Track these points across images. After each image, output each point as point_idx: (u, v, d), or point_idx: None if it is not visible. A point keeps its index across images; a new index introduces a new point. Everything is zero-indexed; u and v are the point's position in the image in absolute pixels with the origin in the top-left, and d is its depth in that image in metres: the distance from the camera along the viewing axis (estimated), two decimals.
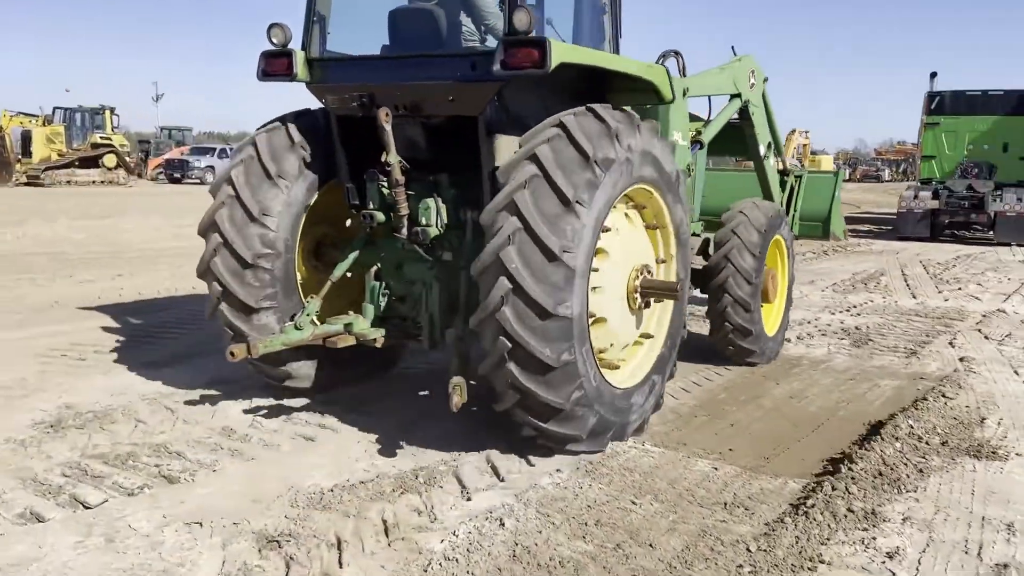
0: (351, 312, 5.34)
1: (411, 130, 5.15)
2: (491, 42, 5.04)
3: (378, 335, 5.21)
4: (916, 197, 19.84)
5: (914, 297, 11.25)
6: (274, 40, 5.25)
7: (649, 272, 5.13)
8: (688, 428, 5.44)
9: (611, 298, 4.82)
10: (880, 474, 4.42)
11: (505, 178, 4.36)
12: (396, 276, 5.38)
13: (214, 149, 42.33)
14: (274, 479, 4.42)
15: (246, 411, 5.58)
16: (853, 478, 4.31)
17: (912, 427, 5.23)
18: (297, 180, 5.39)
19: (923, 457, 4.77)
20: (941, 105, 21.93)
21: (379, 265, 5.44)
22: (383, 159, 4.85)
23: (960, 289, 12.00)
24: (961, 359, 7.49)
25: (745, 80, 7.38)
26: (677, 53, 6.65)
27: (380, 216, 5.22)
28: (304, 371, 5.66)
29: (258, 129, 5.47)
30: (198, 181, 38.59)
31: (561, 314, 4.22)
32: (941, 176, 21.31)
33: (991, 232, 19.21)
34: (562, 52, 4.43)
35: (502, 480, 4.43)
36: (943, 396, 6.11)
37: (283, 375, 5.60)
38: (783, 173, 8.34)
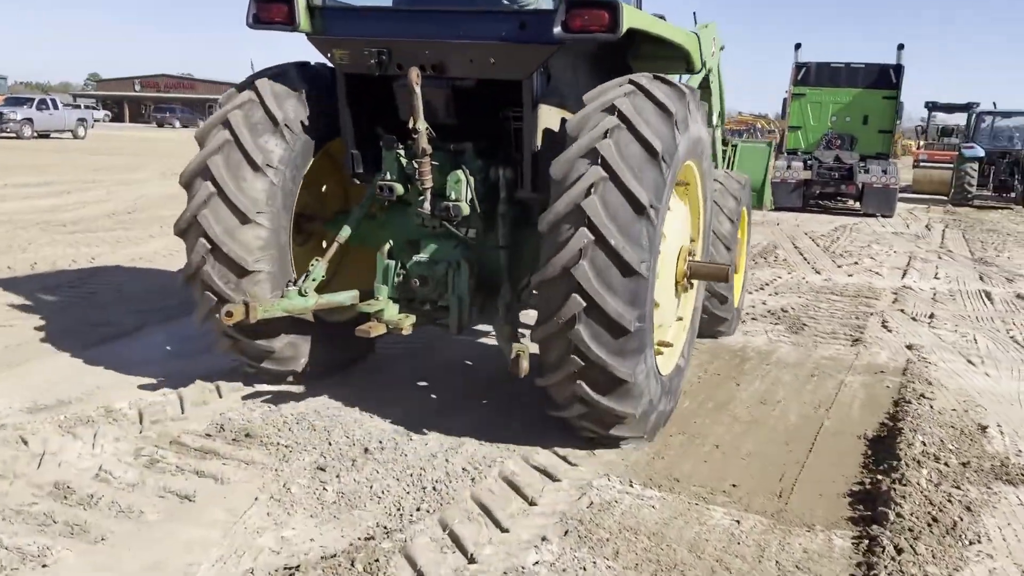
0: (378, 297, 4.69)
1: (431, 92, 4.49)
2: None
3: (408, 323, 4.60)
4: (789, 167, 19.93)
5: (818, 273, 10.90)
6: None
7: (691, 253, 4.89)
8: (668, 453, 4.45)
9: (664, 284, 4.55)
10: (934, 519, 3.59)
11: (563, 173, 3.93)
12: (414, 255, 4.77)
13: (32, 100, 37.56)
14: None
15: (88, 454, 4.09)
16: (910, 529, 3.46)
17: (924, 444, 4.48)
18: (302, 133, 4.79)
19: (958, 487, 4.02)
20: (807, 76, 22.11)
21: (391, 243, 4.88)
22: (410, 125, 4.35)
23: (857, 264, 11.81)
24: (908, 346, 7.00)
25: (708, 48, 6.54)
26: (661, 17, 5.70)
27: (399, 188, 4.73)
28: (287, 348, 4.97)
29: (251, 76, 4.82)
30: (14, 135, 34.27)
31: (643, 273, 3.89)
32: (807, 147, 21.58)
33: (858, 203, 19.63)
34: (631, 16, 4.04)
35: (472, 561, 3.24)
36: (922, 397, 5.48)
37: (262, 352, 4.92)
38: (723, 143, 7.74)
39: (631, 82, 4.15)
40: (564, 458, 4.27)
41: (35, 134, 35.58)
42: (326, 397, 5.07)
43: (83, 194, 15.62)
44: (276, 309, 4.53)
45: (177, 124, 65.91)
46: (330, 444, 4.28)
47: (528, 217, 4.70)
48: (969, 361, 6.60)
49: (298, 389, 5.18)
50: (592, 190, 3.84)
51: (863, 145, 20.87)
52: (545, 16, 4.16)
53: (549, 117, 4.55)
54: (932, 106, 30.63)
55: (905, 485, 3.87)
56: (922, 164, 27.90)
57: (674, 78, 4.49)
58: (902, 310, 8.60)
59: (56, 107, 37.68)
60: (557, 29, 4.02)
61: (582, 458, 4.29)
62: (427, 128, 4.42)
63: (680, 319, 5.16)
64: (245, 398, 4.96)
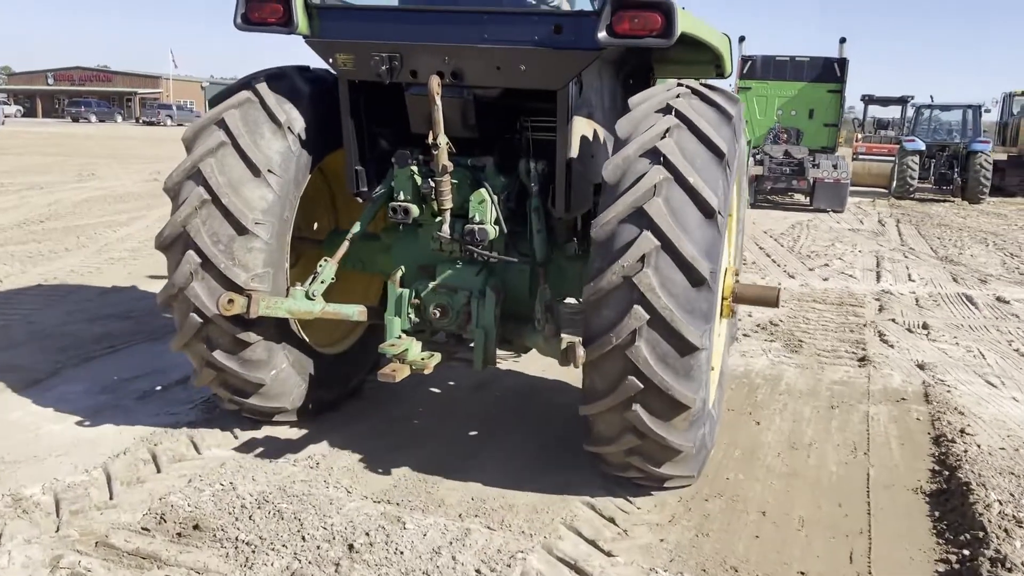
0: (402, 335, 4.15)
1: (448, 103, 4.02)
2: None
3: (433, 363, 4.10)
4: None
5: (792, 277, 10.43)
6: None
7: (737, 274, 4.49)
8: (712, 528, 3.75)
9: (716, 314, 4.02)
10: None
11: (616, 178, 3.53)
12: (430, 283, 4.25)
13: None
14: None
15: None
16: None
17: (1000, 503, 3.88)
18: (304, 139, 4.27)
19: None
20: (753, 69, 21.84)
21: (403, 269, 4.37)
22: (429, 139, 3.92)
23: (828, 266, 11.40)
24: (919, 366, 6.48)
25: None
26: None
27: (415, 210, 4.26)
28: (277, 383, 4.35)
29: (247, 77, 4.32)
30: None
31: (704, 346, 3.47)
32: (754, 141, 21.30)
33: (808, 198, 19.42)
34: (684, 19, 3.63)
35: None
36: (962, 433, 4.92)
37: (251, 385, 4.29)
38: None
39: (672, 110, 3.69)
40: (595, 543, 3.52)
41: None
42: (293, 462, 4.22)
43: None
44: (280, 309, 4.04)
45: (93, 119, 62.89)
46: (304, 539, 3.42)
47: (555, 238, 4.40)
48: (988, 382, 6.11)
49: (256, 452, 4.32)
50: (644, 261, 3.37)
51: (808, 139, 20.70)
52: (585, 19, 3.71)
53: (580, 130, 4.16)
54: (868, 99, 30.93)
55: (1010, 571, 3.24)
56: (861, 157, 28.08)
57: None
58: (893, 320, 8.15)
59: None
60: (602, 34, 3.59)
61: (615, 542, 3.55)
62: (447, 143, 3.93)
63: (719, 335, 4.66)
64: (193, 472, 4.07)
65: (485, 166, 4.28)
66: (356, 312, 4.33)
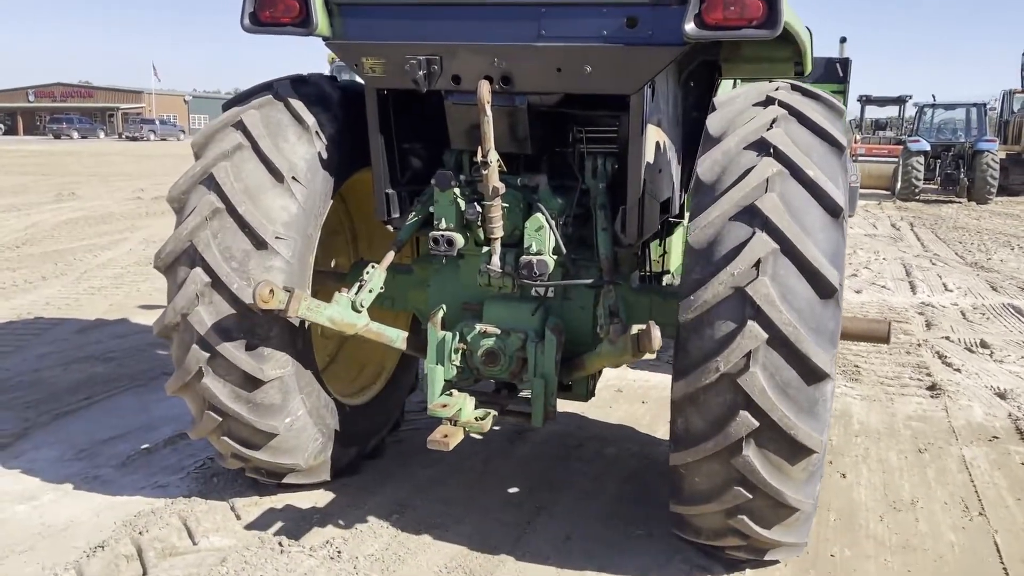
0: (454, 392, 3.48)
1: (496, 113, 3.32)
2: None
3: (488, 421, 3.46)
4: None
5: None
6: None
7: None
8: None
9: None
10: None
11: (715, 175, 2.97)
12: (476, 323, 3.57)
13: None
14: None
15: None
16: None
17: None
18: (335, 145, 3.68)
19: None
20: None
21: (444, 308, 3.68)
22: (478, 157, 3.31)
23: (856, 275, 10.77)
24: (1000, 395, 5.81)
25: None
26: None
27: (459, 239, 3.61)
28: (296, 442, 3.69)
29: (267, 81, 3.74)
30: None
31: (832, 375, 2.88)
32: None
33: None
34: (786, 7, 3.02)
35: None
36: None
37: (287, 467, 3.75)
38: None
39: (774, 101, 3.12)
40: None
41: None
42: (310, 550, 3.48)
43: None
44: (322, 315, 3.38)
45: (75, 135, 61.88)
46: None
47: (619, 268, 3.78)
48: None
49: (263, 537, 3.58)
50: (759, 267, 2.73)
51: None
52: (666, 8, 3.10)
53: (651, 141, 3.47)
54: (865, 100, 30.50)
55: None
56: (860, 158, 27.56)
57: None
58: (947, 337, 7.49)
59: None
60: (689, 25, 3.01)
61: None
62: (498, 160, 3.32)
63: None
64: (186, 571, 3.31)
65: (539, 186, 3.64)
66: (399, 338, 3.76)
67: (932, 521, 3.91)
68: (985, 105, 23.99)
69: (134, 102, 75.89)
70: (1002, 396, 5.78)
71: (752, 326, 2.79)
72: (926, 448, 4.82)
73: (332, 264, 4.56)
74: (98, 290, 8.78)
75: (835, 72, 23.35)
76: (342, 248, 4.62)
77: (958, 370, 6.45)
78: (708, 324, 2.87)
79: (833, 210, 2.88)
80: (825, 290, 2.82)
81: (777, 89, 3.25)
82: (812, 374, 2.82)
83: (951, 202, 22.32)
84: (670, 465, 3.09)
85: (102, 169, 28.11)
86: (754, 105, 3.17)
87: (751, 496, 2.97)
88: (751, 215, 2.86)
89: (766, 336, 2.78)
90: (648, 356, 3.16)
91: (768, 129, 3.01)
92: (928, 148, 22.35)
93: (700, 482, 3.05)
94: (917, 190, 22.29)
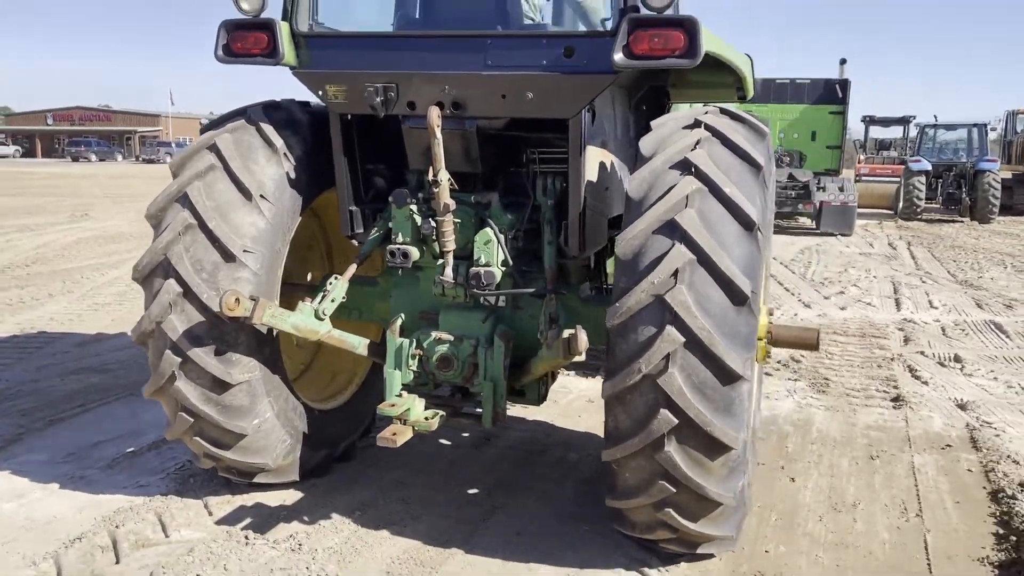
0: (403, 394, 3.77)
1: (448, 136, 3.66)
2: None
3: (436, 422, 3.71)
4: None
5: (808, 307, 9.94)
6: (244, 6, 3.69)
7: (771, 313, 4.12)
8: None
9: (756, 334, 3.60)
10: None
11: (642, 192, 3.23)
12: (432, 332, 3.84)
13: None
14: None
15: None
16: None
17: None
18: (301, 170, 3.96)
19: None
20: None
21: (403, 317, 3.97)
22: (429, 176, 3.61)
23: (843, 293, 10.92)
24: (960, 406, 5.97)
25: None
26: None
27: (415, 252, 3.90)
28: (264, 442, 3.92)
29: (242, 107, 4.03)
30: None
31: (747, 376, 3.09)
32: None
33: (813, 222, 18.99)
34: (709, 38, 3.34)
35: None
36: (1022, 487, 4.41)
37: (256, 467, 3.98)
38: None
39: (700, 124, 3.35)
40: None
41: None
42: (272, 543, 3.71)
43: None
44: (285, 322, 3.65)
45: (93, 158, 62.85)
46: None
47: (567, 279, 4.11)
48: None
49: (230, 531, 3.82)
50: (677, 276, 2.98)
51: (812, 161, 20.31)
52: (599, 40, 3.41)
53: (594, 161, 3.84)
54: (869, 120, 30.69)
55: None
56: (864, 178, 27.71)
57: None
58: (922, 352, 7.65)
59: None
60: (618, 56, 3.27)
61: None
62: (449, 179, 3.61)
63: None
64: (156, 560, 3.56)
65: (490, 203, 3.91)
66: (361, 344, 4.01)
67: (869, 521, 4.10)
68: (986, 125, 24.12)
69: (151, 125, 77.06)
70: (963, 407, 5.95)
71: (670, 330, 3.02)
72: (878, 455, 5.00)
73: (308, 277, 4.81)
74: (102, 306, 9.09)
75: (835, 93, 23.44)
76: (317, 262, 4.87)
77: (925, 383, 6.62)
78: (632, 329, 3.10)
79: (747, 224, 3.12)
80: (738, 298, 3.04)
81: (707, 113, 3.50)
82: (726, 375, 3.04)
83: (953, 222, 22.43)
84: (602, 461, 3.31)
85: (117, 191, 28.69)
86: (683, 128, 3.42)
87: (675, 490, 3.18)
88: (671, 229, 3.10)
89: (683, 340, 3.01)
90: (578, 358, 3.38)
91: (692, 150, 3.25)
92: (929, 168, 22.48)
93: (630, 477, 3.27)
94: (919, 209, 22.40)
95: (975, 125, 23.81)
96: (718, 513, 3.29)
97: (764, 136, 3.48)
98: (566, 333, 3.34)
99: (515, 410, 5.56)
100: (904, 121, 28.82)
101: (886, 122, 30.65)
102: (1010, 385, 6.56)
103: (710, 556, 3.61)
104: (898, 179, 23.51)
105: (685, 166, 3.21)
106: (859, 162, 30.98)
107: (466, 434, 5.19)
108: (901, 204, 22.75)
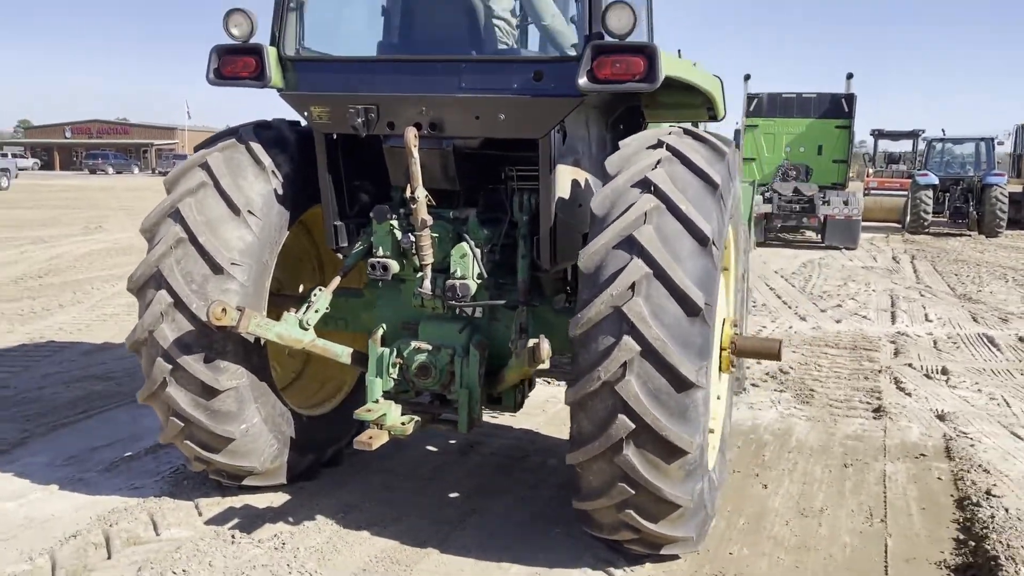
0: (380, 399, 3.92)
1: (427, 155, 3.88)
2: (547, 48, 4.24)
3: (411, 427, 3.89)
4: None
5: (804, 320, 10.05)
6: (234, 31, 3.91)
7: (735, 324, 4.29)
8: None
9: (713, 358, 3.73)
10: None
11: (605, 210, 3.39)
12: (412, 341, 4.02)
13: None
14: None
15: None
16: None
17: None
18: (288, 186, 4.17)
19: None
20: (759, 107, 21.69)
21: (384, 327, 4.12)
22: (407, 193, 3.82)
23: (840, 307, 11.02)
24: (939, 417, 6.09)
25: None
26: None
27: (394, 266, 4.08)
28: (252, 446, 4.11)
29: (234, 126, 4.28)
30: None
31: (700, 384, 3.26)
32: (762, 178, 21.04)
33: (819, 236, 19.09)
34: (668, 63, 3.54)
35: None
36: (988, 494, 4.54)
37: (244, 470, 4.18)
38: None
39: (663, 144, 3.52)
40: None
41: None
42: (257, 542, 3.90)
43: None
44: (270, 331, 3.85)
45: (110, 170, 63.67)
46: None
47: (542, 290, 4.31)
48: (1014, 434, 5.72)
49: (218, 531, 4.01)
50: (635, 289, 3.16)
51: (818, 175, 20.42)
52: (566, 65, 3.63)
53: (566, 179, 4.04)
54: (878, 134, 30.74)
55: None
56: (872, 192, 27.77)
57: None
58: (910, 364, 7.77)
59: None
60: (582, 80, 3.48)
61: None
62: (426, 195, 3.80)
63: (719, 397, 4.39)
64: (145, 557, 3.75)
65: (468, 218, 4.10)
66: (345, 354, 4.18)
67: (834, 526, 4.24)
68: (993, 140, 24.16)
69: (167, 138, 78.01)
70: (942, 418, 6.07)
71: (627, 340, 3.19)
72: (852, 463, 5.13)
73: (300, 289, 5.01)
74: (110, 317, 9.34)
75: (841, 107, 23.53)
76: (308, 275, 5.07)
77: (909, 394, 6.74)
78: (593, 339, 3.27)
79: (702, 240, 3.29)
80: (692, 309, 3.21)
81: (670, 133, 3.67)
82: (680, 383, 3.21)
83: (961, 235, 22.44)
84: (567, 464, 3.47)
85: (132, 203, 29.09)
86: (647, 148, 3.60)
87: (634, 492, 3.34)
88: (630, 244, 3.28)
89: (639, 349, 3.18)
90: (542, 366, 3.57)
91: (652, 169, 3.43)
92: (936, 182, 22.52)
93: (592, 479, 3.43)
94: (926, 223, 22.42)
95: (982, 139, 23.85)
96: (677, 515, 3.45)
97: (723, 156, 3.64)
98: (531, 342, 3.52)
99: (503, 419, 5.73)
100: (913, 135, 28.82)
101: (895, 136, 30.67)
102: (992, 397, 6.67)
103: (675, 557, 3.76)
104: (907, 193, 23.55)
105: (645, 184, 3.39)
106: (868, 176, 31.03)
107: (453, 441, 5.36)
108: (908, 218, 22.81)
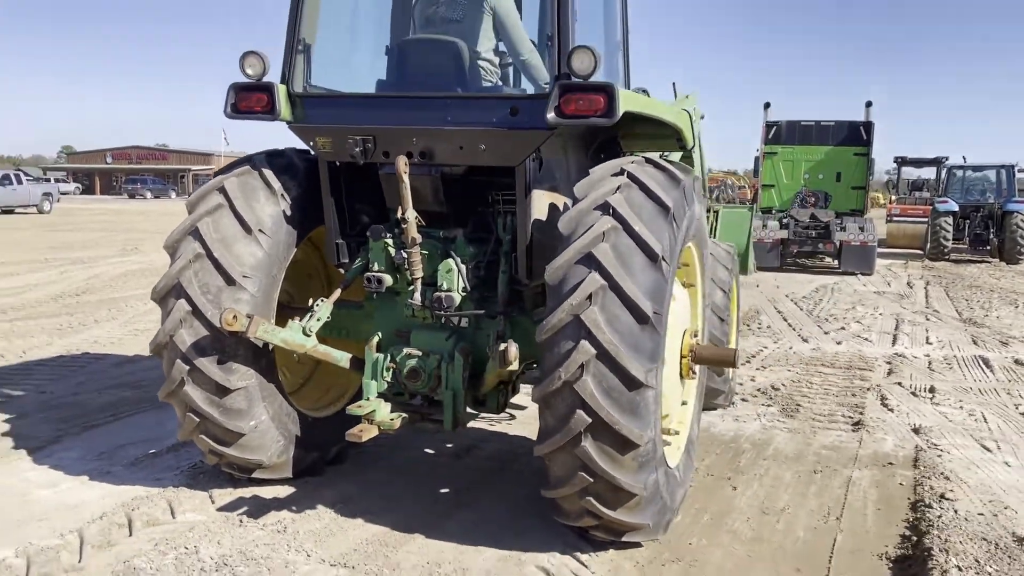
0: (371, 398, 4.39)
1: (418, 180, 4.36)
2: (523, 82, 4.80)
3: (398, 422, 4.36)
4: (765, 227, 19.57)
5: (805, 341, 10.34)
6: (249, 71, 4.43)
7: (695, 335, 4.68)
8: None
9: (670, 366, 4.26)
10: None
11: (570, 230, 3.81)
12: (404, 348, 4.47)
13: None
14: None
15: None
16: None
17: (960, 569, 3.82)
18: (296, 208, 4.65)
19: None
20: (778, 134, 22.00)
21: (380, 335, 4.56)
22: (399, 214, 4.28)
23: (844, 329, 11.28)
24: (915, 430, 6.39)
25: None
26: (644, 91, 5.64)
27: (388, 279, 4.55)
28: (260, 442, 4.57)
29: (249, 154, 4.78)
30: None
31: (650, 384, 3.66)
32: (781, 204, 21.36)
33: (835, 261, 19.29)
34: (626, 100, 3.99)
35: None
36: (942, 498, 4.85)
37: (253, 463, 4.61)
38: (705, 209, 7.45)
39: (624, 172, 3.96)
40: None
41: None
42: (261, 525, 4.34)
43: (32, 275, 14.82)
44: (276, 336, 4.30)
45: (148, 195, 65.37)
46: None
47: (523, 303, 4.64)
48: (984, 447, 6.00)
49: (227, 515, 4.46)
50: (591, 299, 3.59)
51: (837, 202, 20.66)
52: (538, 101, 4.07)
53: (542, 202, 4.44)
54: (901, 161, 30.83)
55: None
56: (895, 219, 27.85)
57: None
58: (900, 383, 8.04)
59: (20, 182, 36.78)
60: (551, 115, 3.91)
61: None
62: (416, 216, 4.24)
63: (685, 403, 4.82)
64: (162, 535, 4.21)
65: (456, 237, 4.54)
66: (344, 359, 4.59)
67: (791, 523, 4.58)
68: (1014, 167, 24.15)
69: (204, 164, 79.88)
70: (917, 431, 6.36)
71: (584, 344, 3.60)
72: (821, 470, 5.46)
73: (309, 302, 5.48)
74: (141, 332, 9.91)
75: (859, 135, 23.80)
76: (317, 289, 5.54)
77: (891, 410, 7.03)
78: (556, 343, 3.69)
79: (652, 256, 3.70)
80: (641, 317, 3.62)
81: (632, 162, 4.10)
82: (631, 382, 3.61)
83: (981, 262, 22.47)
84: (535, 455, 3.88)
85: (167, 227, 29.98)
86: (611, 175, 4.02)
87: (592, 480, 3.74)
88: (589, 260, 3.70)
89: (595, 352, 3.59)
90: (511, 367, 3.98)
91: (613, 194, 3.85)
92: (956, 209, 22.62)
93: (557, 469, 3.84)
94: (946, 250, 22.50)
95: (1003, 166, 23.89)
96: (634, 503, 3.83)
97: (679, 182, 4.05)
98: (501, 346, 3.94)
99: (500, 426, 6.15)
100: (937, 162, 28.88)
101: (919, 163, 30.78)
102: (972, 413, 6.93)
103: (637, 545, 4.13)
104: (928, 219, 23.65)
105: (605, 208, 3.80)
106: (890, 202, 31.04)
107: (449, 445, 5.78)
108: (929, 245, 22.90)
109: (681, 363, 4.48)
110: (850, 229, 18.99)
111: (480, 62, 4.47)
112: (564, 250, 3.78)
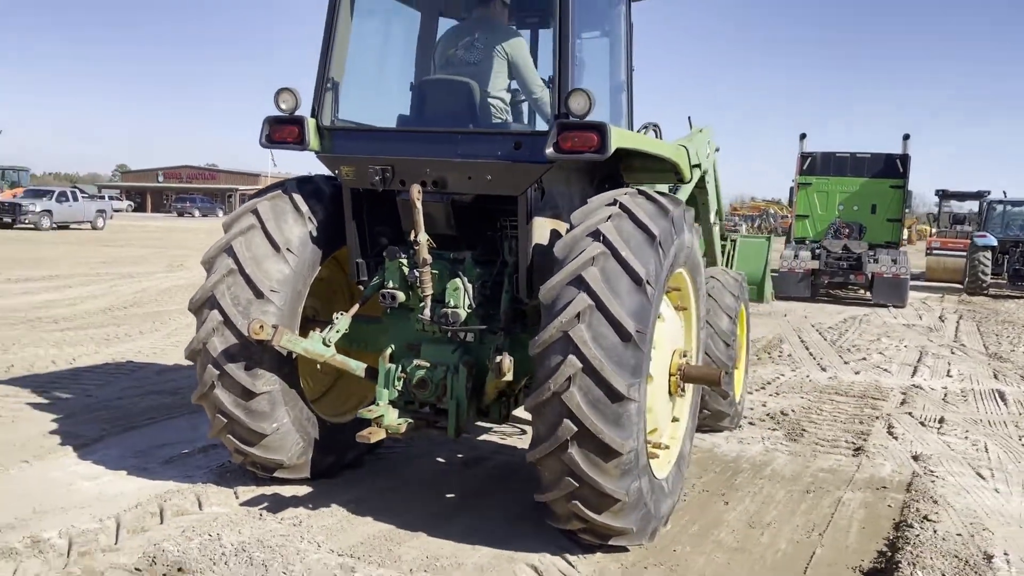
0: (379, 403, 4.76)
1: (432, 206, 4.78)
2: (529, 120, 5.29)
3: (405, 427, 4.74)
4: (796, 257, 19.67)
5: (824, 370, 10.50)
6: (283, 106, 4.90)
7: (685, 355, 4.95)
8: None
9: (658, 383, 4.61)
10: None
11: (564, 254, 4.17)
12: (414, 359, 4.84)
13: (52, 191, 38.14)
14: None
15: None
16: None
17: None
18: (323, 228, 5.10)
19: None
20: (813, 165, 22.09)
21: (393, 347, 4.95)
22: (411, 237, 4.64)
23: (865, 359, 11.40)
24: (915, 457, 6.56)
25: (704, 150, 6.99)
26: (656, 126, 6.17)
27: (401, 296, 4.93)
28: (281, 443, 4.98)
29: (281, 180, 5.26)
30: (32, 226, 34.80)
31: (632, 397, 3.98)
32: (814, 235, 21.40)
33: (868, 293, 19.29)
34: (619, 137, 4.33)
35: None
36: (925, 519, 5.05)
37: (275, 462, 5.02)
38: (721, 238, 7.94)
39: (616, 203, 4.31)
40: None
41: (54, 225, 36.07)
42: (279, 519, 4.73)
43: (83, 288, 15.59)
44: (298, 345, 4.68)
45: (197, 213, 67.22)
46: None
47: (525, 321, 4.95)
48: (979, 474, 6.16)
49: (249, 509, 4.86)
50: (580, 317, 3.93)
51: (872, 234, 20.64)
52: (538, 137, 4.44)
53: (543, 228, 4.80)
54: (943, 194, 30.63)
55: None
56: (935, 252, 27.62)
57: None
58: (910, 413, 8.18)
59: (76, 199, 38.30)
60: (549, 150, 4.30)
61: None
62: (427, 239, 4.62)
63: (676, 420, 5.12)
64: (189, 524, 4.62)
65: (464, 259, 4.93)
66: (360, 368, 4.98)
67: (775, 536, 4.83)
68: None
69: (251, 184, 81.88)
70: (916, 458, 6.53)
71: (572, 358, 3.94)
72: (814, 491, 5.69)
73: (333, 316, 5.90)
74: (182, 343, 10.40)
75: (895, 167, 23.84)
76: (341, 305, 5.94)
77: (896, 438, 7.20)
78: (547, 357, 4.04)
79: (637, 280, 4.03)
80: (625, 335, 3.95)
81: (625, 193, 4.45)
82: (614, 395, 3.94)
83: (1021, 298, 22.23)
84: (527, 461, 4.21)
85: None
86: (605, 205, 4.37)
87: (578, 485, 4.06)
88: (579, 282, 4.05)
89: (581, 366, 3.93)
90: (507, 378, 4.34)
91: (604, 222, 4.21)
92: (995, 243, 22.46)
93: (547, 474, 4.17)
94: (985, 284, 22.33)
95: None
96: (618, 508, 4.14)
97: (667, 212, 4.39)
98: (497, 358, 4.31)
99: (511, 439, 6.49)
100: (979, 196, 28.70)
101: (961, 196, 30.57)
102: (975, 443, 7.07)
103: (623, 549, 4.43)
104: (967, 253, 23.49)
105: (596, 235, 4.16)
106: (931, 236, 30.76)
107: (460, 455, 6.13)
108: (967, 279, 22.74)
109: (670, 381, 4.78)
110: (883, 261, 19.00)
111: (491, 100, 4.89)
112: (558, 272, 4.14)
